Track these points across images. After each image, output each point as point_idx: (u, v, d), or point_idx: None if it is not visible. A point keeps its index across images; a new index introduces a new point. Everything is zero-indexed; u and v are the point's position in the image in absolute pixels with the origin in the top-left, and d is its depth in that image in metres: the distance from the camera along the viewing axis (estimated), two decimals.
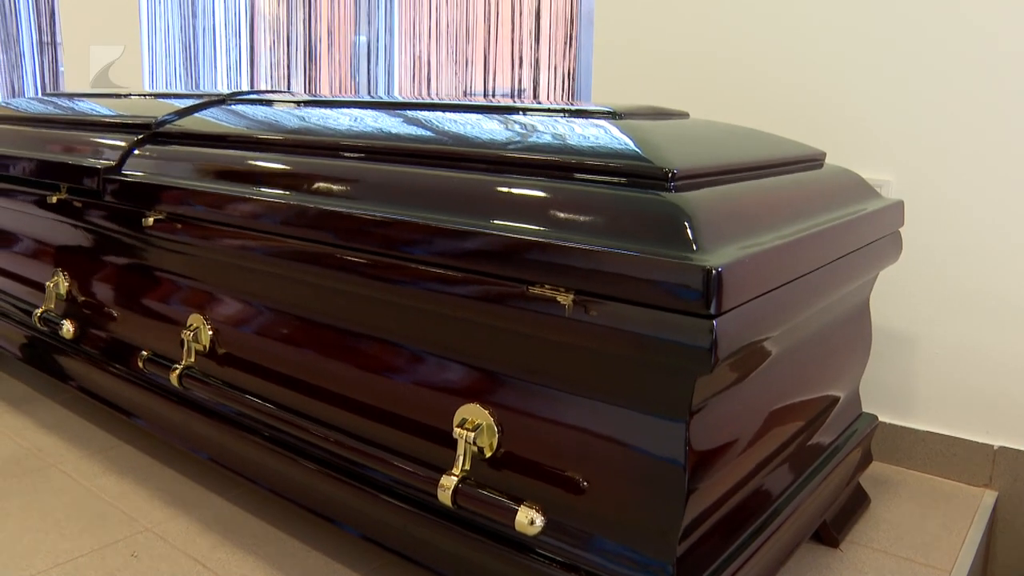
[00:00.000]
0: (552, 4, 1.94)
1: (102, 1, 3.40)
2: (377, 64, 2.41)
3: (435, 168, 1.09)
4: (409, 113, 1.29)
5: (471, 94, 2.17)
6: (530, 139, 1.06)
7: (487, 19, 2.03)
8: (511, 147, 1.05)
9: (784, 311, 0.96)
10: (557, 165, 0.99)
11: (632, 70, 1.84)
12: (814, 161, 1.27)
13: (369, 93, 2.49)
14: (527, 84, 1.98)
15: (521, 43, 1.97)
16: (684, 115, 1.25)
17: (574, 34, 1.92)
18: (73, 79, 3.59)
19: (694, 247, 0.83)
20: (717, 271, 0.79)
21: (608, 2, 1.84)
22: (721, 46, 1.72)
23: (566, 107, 1.16)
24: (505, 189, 0.99)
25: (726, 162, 1.03)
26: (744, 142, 1.17)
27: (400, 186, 1.08)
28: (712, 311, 0.80)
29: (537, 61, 1.94)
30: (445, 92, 2.25)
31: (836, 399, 1.30)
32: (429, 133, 1.17)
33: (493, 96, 2.14)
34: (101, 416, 1.79)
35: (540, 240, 0.89)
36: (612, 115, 1.10)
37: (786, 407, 1.13)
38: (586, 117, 1.12)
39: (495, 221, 0.96)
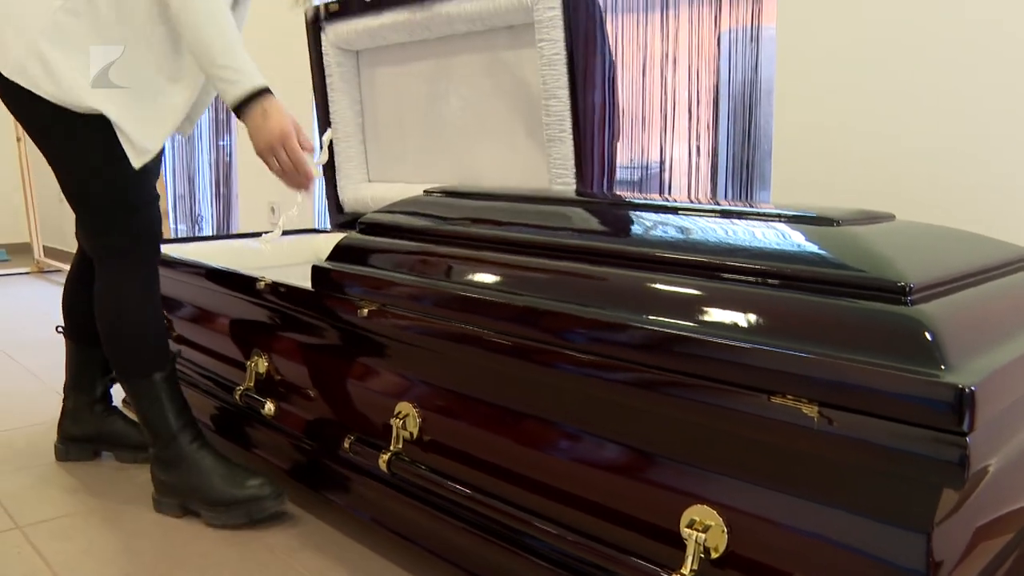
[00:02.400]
0: (731, 94, 1.98)
1: None
2: None
3: (658, 272, 1.13)
4: (623, 213, 1.35)
5: (648, 168, 2.19)
6: (755, 246, 1.09)
7: (663, 108, 2.08)
8: (738, 254, 1.08)
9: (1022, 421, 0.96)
10: (788, 275, 1.02)
11: (812, 161, 1.86)
12: (1022, 261, 1.26)
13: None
14: (704, 173, 2.02)
15: (699, 136, 2.01)
16: (891, 217, 1.26)
17: (752, 124, 1.96)
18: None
19: (941, 364, 0.85)
20: (971, 390, 0.80)
21: (787, 94, 1.88)
22: (904, 139, 1.73)
23: (782, 212, 1.19)
24: (737, 298, 1.03)
25: (951, 270, 1.04)
26: (958, 246, 1.18)
27: (624, 289, 1.13)
28: (965, 428, 0.81)
29: (715, 150, 1.98)
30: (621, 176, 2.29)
31: None
32: (648, 236, 1.22)
33: (668, 183, 2.17)
34: (287, 488, 1.87)
35: (786, 352, 0.92)
36: (829, 221, 1.13)
37: (1006, 514, 1.11)
38: (804, 223, 1.15)
39: (723, 330, 1.00)
